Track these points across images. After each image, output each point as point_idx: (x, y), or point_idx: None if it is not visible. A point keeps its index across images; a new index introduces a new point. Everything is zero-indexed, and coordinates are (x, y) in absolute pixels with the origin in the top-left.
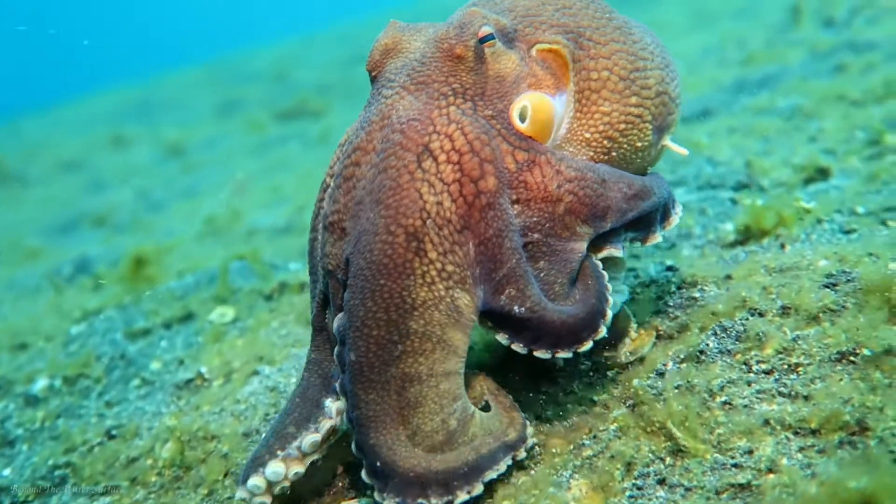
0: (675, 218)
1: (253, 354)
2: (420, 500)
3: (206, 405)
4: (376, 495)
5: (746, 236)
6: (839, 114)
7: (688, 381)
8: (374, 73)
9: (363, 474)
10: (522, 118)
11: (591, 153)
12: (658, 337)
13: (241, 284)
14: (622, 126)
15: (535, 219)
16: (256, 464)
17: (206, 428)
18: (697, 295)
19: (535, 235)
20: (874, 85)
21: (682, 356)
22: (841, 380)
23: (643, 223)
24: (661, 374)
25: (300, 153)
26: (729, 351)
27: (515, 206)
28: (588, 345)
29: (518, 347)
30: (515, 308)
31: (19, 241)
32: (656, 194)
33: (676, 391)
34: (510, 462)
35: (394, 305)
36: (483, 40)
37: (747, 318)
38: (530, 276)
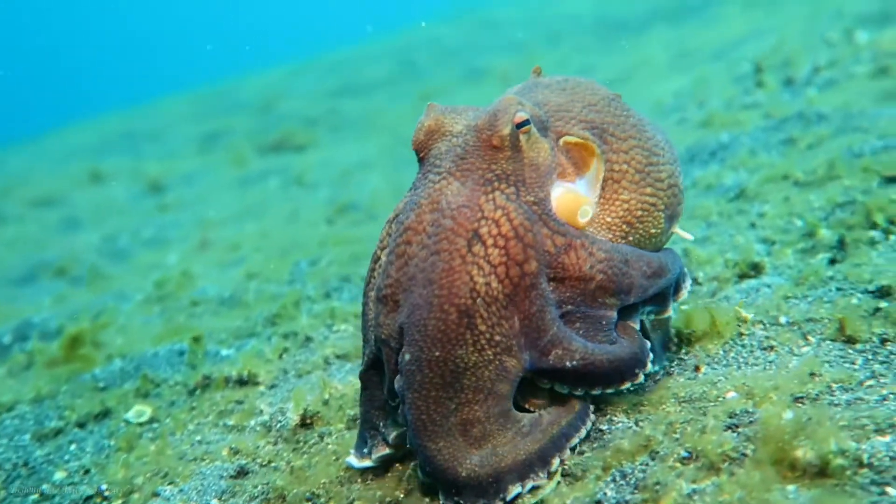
0: (685, 292)
1: (159, 469)
2: (520, 483)
3: None
4: None
5: (677, 340)
6: (781, 196)
7: None
8: (420, 154)
9: None
10: (583, 217)
11: (611, 236)
12: (563, 475)
13: (167, 375)
14: (639, 213)
15: (568, 294)
16: None
17: None
18: (605, 427)
19: (570, 307)
20: (817, 164)
21: None
22: None
23: (660, 298)
24: None
25: (276, 194)
26: (626, 502)
27: (552, 283)
28: (633, 381)
29: (578, 392)
30: (567, 363)
31: None
32: (671, 271)
33: None
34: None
35: (448, 371)
36: (520, 126)
37: (648, 463)
38: (571, 334)
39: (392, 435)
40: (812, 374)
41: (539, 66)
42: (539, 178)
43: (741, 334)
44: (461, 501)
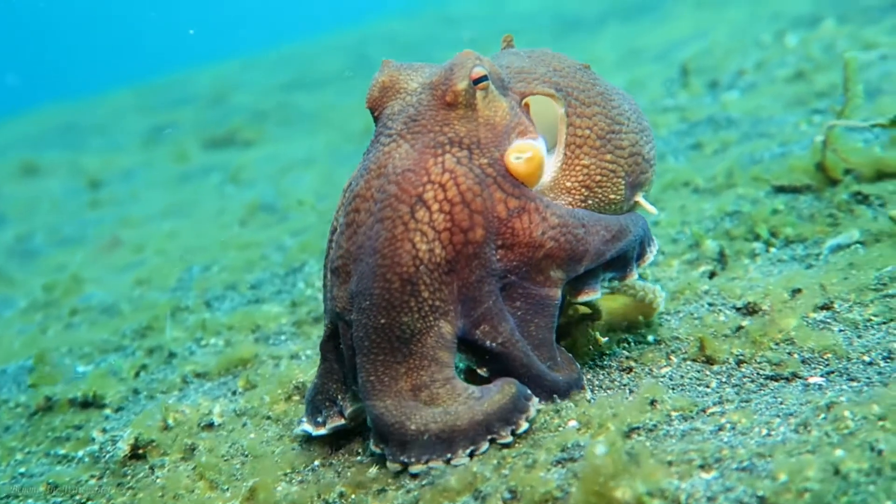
0: (650, 255)
1: None
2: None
3: None
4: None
5: None
6: (678, 204)
7: None
8: (375, 113)
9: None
10: (518, 160)
11: (570, 199)
12: None
13: (10, 395)
14: (598, 178)
15: (514, 262)
16: None
17: None
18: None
19: (513, 278)
20: (718, 171)
21: None
22: None
23: (620, 262)
24: None
25: (209, 192)
26: None
27: (500, 250)
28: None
29: (482, 372)
30: (488, 343)
31: None
32: (632, 233)
33: None
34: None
35: (395, 337)
36: (477, 81)
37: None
38: (505, 314)
39: (350, 409)
40: (653, 402)
41: (510, 34)
42: (495, 138)
43: (603, 354)
44: (408, 459)
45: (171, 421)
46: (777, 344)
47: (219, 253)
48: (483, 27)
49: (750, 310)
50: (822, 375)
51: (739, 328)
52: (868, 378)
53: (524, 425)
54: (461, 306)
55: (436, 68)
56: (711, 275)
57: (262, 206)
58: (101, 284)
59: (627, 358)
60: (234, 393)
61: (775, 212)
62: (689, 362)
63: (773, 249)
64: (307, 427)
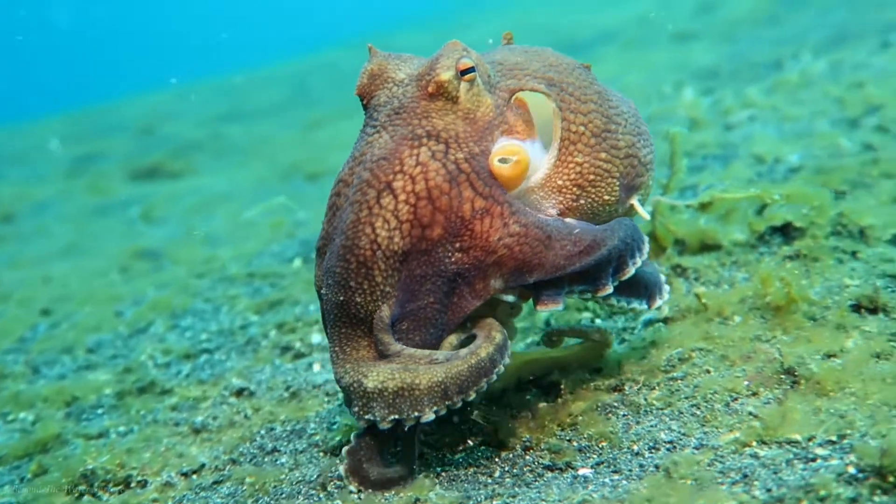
0: (630, 269)
1: None
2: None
3: None
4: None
5: None
6: None
7: None
8: (364, 101)
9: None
10: (504, 163)
11: (561, 198)
12: None
13: None
14: (591, 177)
15: (466, 265)
16: None
17: None
18: None
19: (460, 282)
20: None
21: None
22: None
23: (591, 275)
24: None
25: (119, 230)
26: None
27: (457, 253)
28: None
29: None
30: (395, 337)
31: None
32: (606, 247)
33: None
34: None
35: (351, 314)
36: (464, 73)
37: None
38: (428, 324)
39: None
40: (416, 502)
41: (510, 32)
42: (475, 133)
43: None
44: (373, 417)
45: None
46: (562, 429)
47: (76, 306)
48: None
49: (547, 389)
50: (591, 466)
51: (534, 410)
52: (630, 470)
53: (472, 395)
54: (401, 295)
55: (424, 60)
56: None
57: (145, 253)
58: None
59: (424, 441)
60: (21, 480)
61: None
62: (482, 447)
63: (597, 321)
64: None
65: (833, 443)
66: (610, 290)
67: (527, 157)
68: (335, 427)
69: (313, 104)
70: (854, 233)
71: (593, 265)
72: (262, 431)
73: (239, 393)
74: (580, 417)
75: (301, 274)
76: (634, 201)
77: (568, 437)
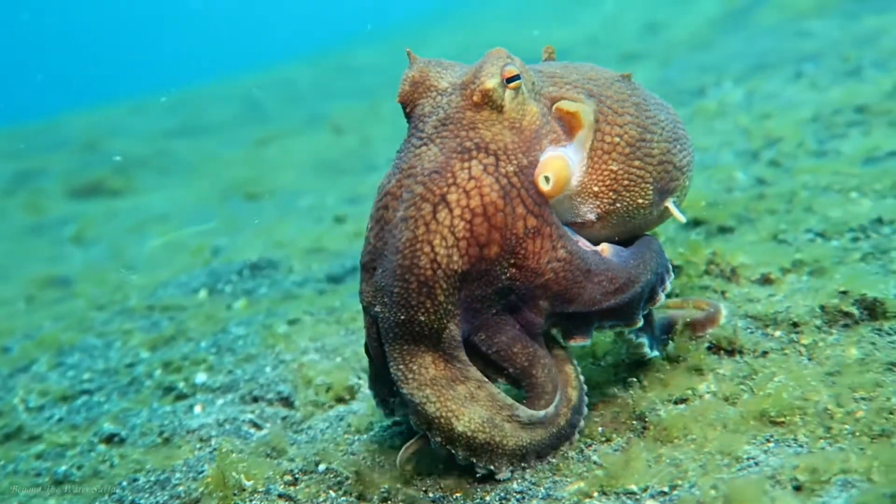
0: (661, 297)
1: None
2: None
3: None
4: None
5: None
6: None
7: None
8: (407, 109)
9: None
10: (547, 181)
11: (598, 203)
12: None
13: None
14: (626, 182)
15: (518, 283)
16: None
17: None
18: None
19: (513, 297)
20: None
21: None
22: None
23: (623, 312)
24: None
25: (46, 252)
26: None
27: (511, 269)
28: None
29: (500, 381)
30: (484, 349)
31: None
32: (640, 283)
33: None
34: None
35: (414, 332)
36: (509, 80)
37: None
38: (502, 327)
39: (399, 412)
40: None
41: (552, 46)
42: (523, 143)
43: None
44: (454, 452)
45: None
46: (421, 479)
47: None
48: (382, 76)
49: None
50: None
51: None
52: None
53: (546, 458)
54: (464, 313)
55: (466, 67)
56: None
57: (56, 280)
58: None
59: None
60: None
61: None
62: (343, 497)
63: None
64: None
65: (664, 493)
66: (641, 323)
67: (567, 172)
68: (201, 476)
69: (264, 120)
70: (726, 272)
71: (627, 303)
72: (125, 483)
73: (109, 439)
74: (440, 467)
75: (204, 307)
76: (669, 203)
77: (425, 488)
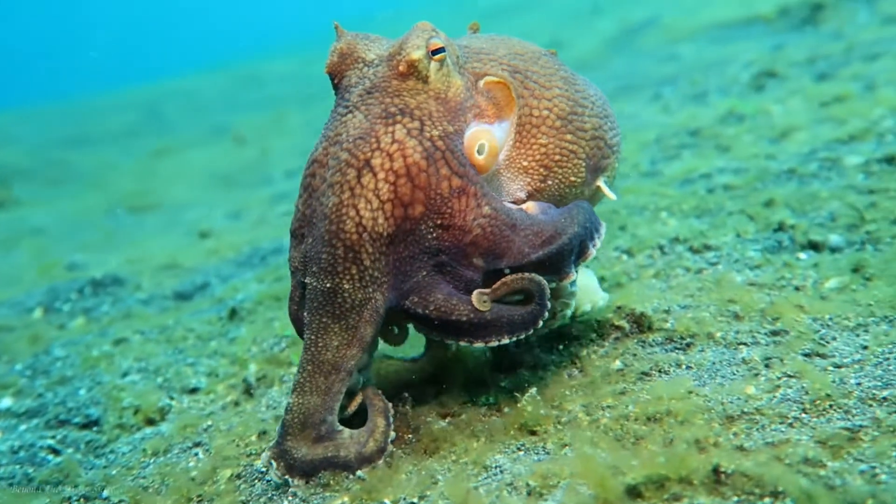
0: (592, 252)
1: None
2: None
3: None
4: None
5: None
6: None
7: None
8: (335, 80)
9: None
10: (480, 153)
11: (528, 179)
12: None
13: None
14: (557, 157)
15: (447, 243)
16: None
17: None
18: None
19: (444, 257)
20: None
21: None
22: None
23: (554, 266)
24: None
25: None
26: None
27: (437, 230)
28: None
29: (433, 336)
30: (420, 311)
31: None
32: (567, 235)
33: None
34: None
35: (337, 304)
36: (434, 53)
37: None
38: (437, 285)
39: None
40: None
41: (476, 22)
42: (448, 113)
43: None
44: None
45: None
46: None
47: None
48: (290, 86)
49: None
50: None
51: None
52: None
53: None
54: (392, 279)
55: (393, 41)
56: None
57: None
58: None
59: None
60: None
61: None
62: None
63: None
64: None
65: (413, 503)
66: (574, 276)
67: (496, 144)
68: None
69: (164, 131)
70: None
71: (555, 254)
72: None
73: None
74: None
75: (35, 326)
76: (601, 182)
77: None
